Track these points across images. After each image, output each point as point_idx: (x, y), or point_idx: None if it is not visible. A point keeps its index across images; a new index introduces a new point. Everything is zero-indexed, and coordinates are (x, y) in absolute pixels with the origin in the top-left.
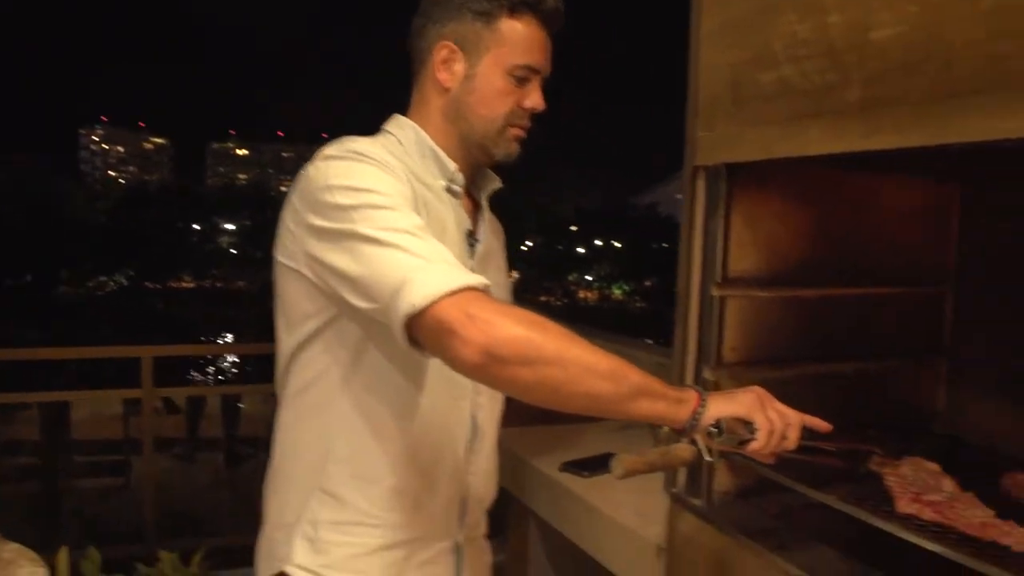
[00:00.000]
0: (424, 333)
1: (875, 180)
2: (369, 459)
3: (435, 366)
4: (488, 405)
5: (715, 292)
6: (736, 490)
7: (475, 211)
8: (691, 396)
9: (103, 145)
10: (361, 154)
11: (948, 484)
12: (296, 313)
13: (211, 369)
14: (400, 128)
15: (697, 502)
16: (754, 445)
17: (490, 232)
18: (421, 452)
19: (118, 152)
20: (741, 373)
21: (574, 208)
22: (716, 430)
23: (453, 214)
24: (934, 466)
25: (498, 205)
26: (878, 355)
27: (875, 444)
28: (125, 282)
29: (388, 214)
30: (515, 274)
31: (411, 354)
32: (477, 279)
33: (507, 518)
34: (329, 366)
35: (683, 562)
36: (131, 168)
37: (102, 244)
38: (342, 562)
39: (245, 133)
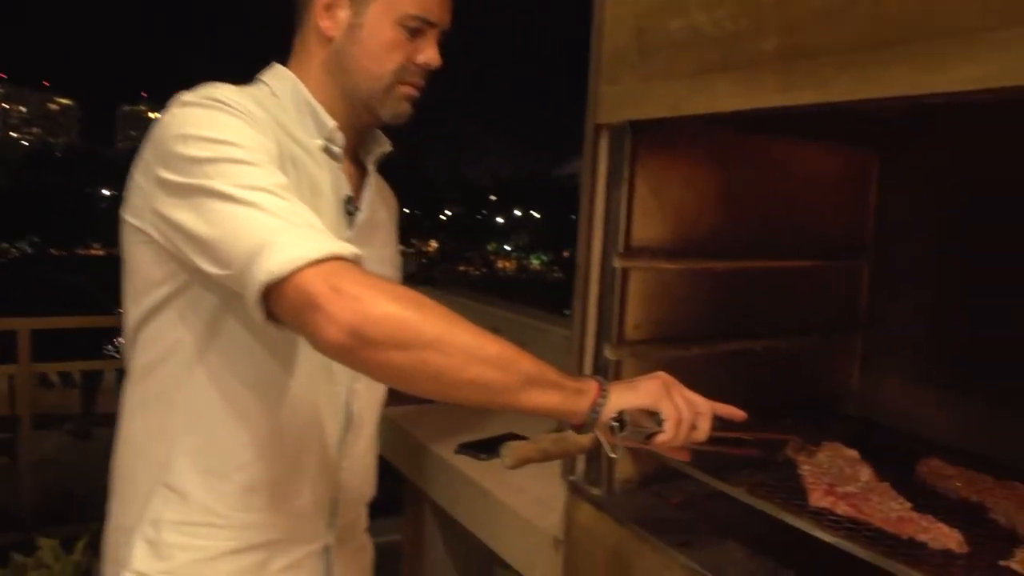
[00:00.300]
0: (283, 306)
1: (790, 146)
2: (221, 450)
3: (307, 344)
4: (367, 393)
5: (617, 263)
6: (639, 478)
7: (360, 177)
8: (590, 387)
9: (3, 104)
10: (221, 102)
11: (865, 473)
12: (142, 280)
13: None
14: (277, 78)
15: (596, 492)
16: (662, 438)
17: (378, 201)
18: (284, 444)
19: (20, 112)
20: (645, 352)
21: (494, 178)
22: (618, 424)
23: (330, 177)
24: (852, 453)
25: (414, 172)
26: (791, 332)
27: (792, 432)
28: (29, 249)
29: (248, 170)
30: (423, 247)
31: (270, 329)
32: (347, 248)
33: (403, 500)
34: (180, 341)
35: (581, 556)
36: (35, 130)
37: (2, 209)
38: (185, 568)
39: (157, 96)
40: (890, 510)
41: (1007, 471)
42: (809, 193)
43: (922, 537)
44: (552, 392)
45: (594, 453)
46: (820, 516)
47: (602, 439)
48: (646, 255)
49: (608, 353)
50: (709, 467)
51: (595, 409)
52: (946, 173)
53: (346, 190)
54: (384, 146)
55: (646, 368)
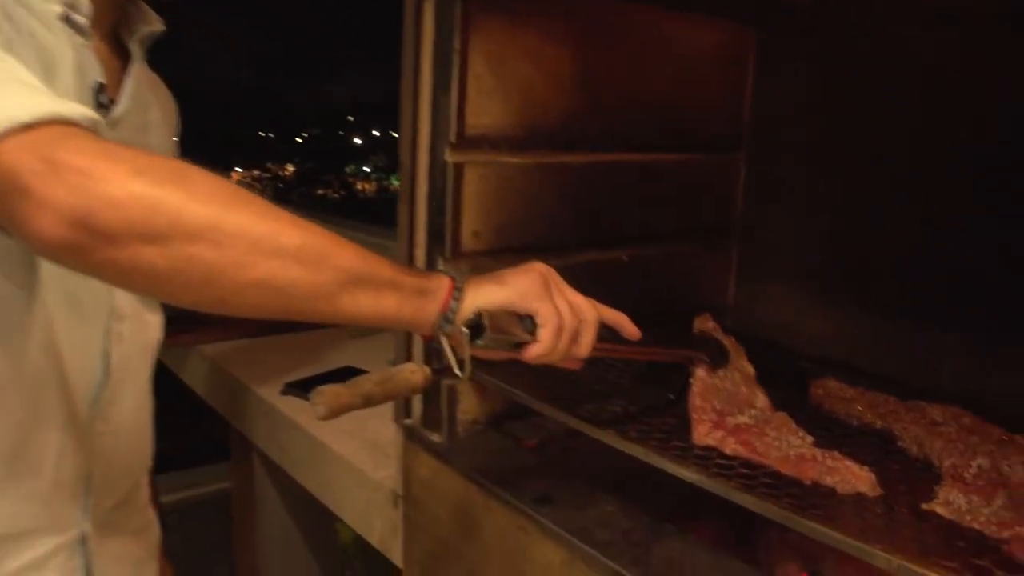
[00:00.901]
0: None
1: (657, 16)
2: None
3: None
4: (132, 336)
5: (448, 157)
6: (487, 418)
7: (121, 65)
8: (440, 284)
9: None
10: None
11: (761, 399)
12: None
13: None
14: None
15: (436, 437)
16: (534, 349)
17: (147, 96)
18: (10, 406)
19: None
20: (487, 265)
21: (352, 99)
22: (476, 330)
23: (72, 55)
24: (750, 369)
25: (268, 95)
26: (661, 239)
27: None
28: None
29: None
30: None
31: None
32: (75, 109)
33: (229, 447)
34: None
35: (423, 515)
36: None
37: None
38: None
39: None
40: (789, 447)
41: (906, 390)
42: (679, 75)
43: (828, 480)
44: (385, 294)
45: (432, 391)
46: (707, 460)
47: (448, 353)
48: (485, 146)
49: (442, 267)
50: (570, 400)
51: (447, 315)
52: (834, 57)
53: (97, 75)
54: (153, 24)
55: None
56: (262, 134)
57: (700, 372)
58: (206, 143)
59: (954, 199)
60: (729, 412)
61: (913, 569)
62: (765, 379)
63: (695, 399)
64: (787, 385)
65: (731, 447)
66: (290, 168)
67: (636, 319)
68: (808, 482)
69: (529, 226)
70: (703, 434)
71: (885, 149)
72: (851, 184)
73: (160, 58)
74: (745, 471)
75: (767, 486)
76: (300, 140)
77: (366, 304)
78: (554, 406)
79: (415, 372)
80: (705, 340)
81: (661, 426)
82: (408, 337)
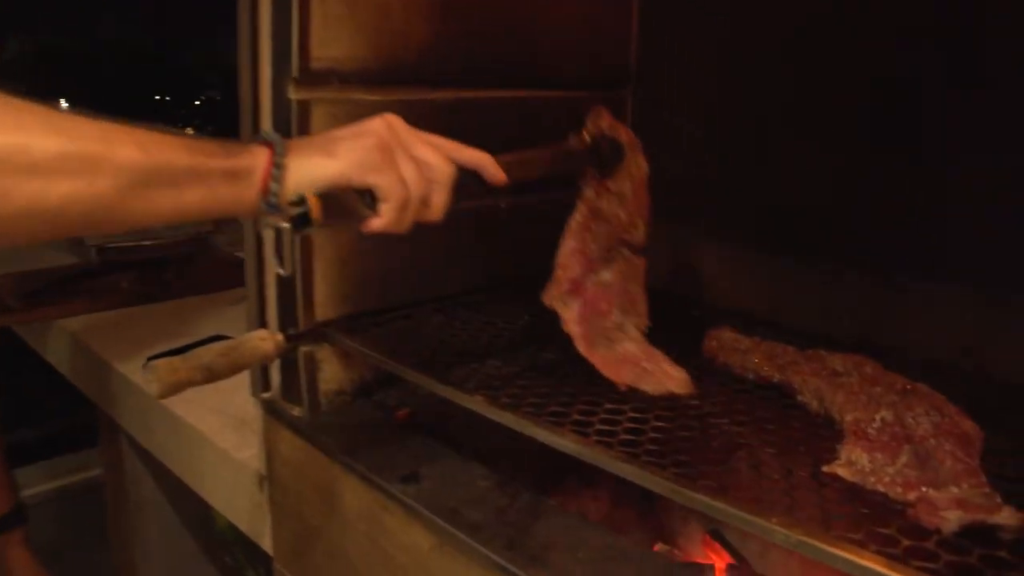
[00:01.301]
0: None
1: None
2: None
3: None
4: None
5: (292, 94)
6: (354, 387)
7: None
8: (256, 161)
9: None
10: None
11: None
12: None
13: None
14: None
15: (297, 411)
16: (374, 224)
17: None
18: None
19: None
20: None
21: None
22: (301, 217)
23: None
24: (643, 167)
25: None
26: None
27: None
28: None
29: None
30: None
31: None
32: None
33: (98, 431)
34: None
35: (288, 496)
36: None
37: None
38: None
39: None
40: (621, 338)
41: (807, 339)
42: (560, 6)
43: (643, 386)
44: (187, 188)
45: (289, 360)
46: (586, 426)
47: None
48: (334, 81)
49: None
50: (442, 363)
51: (269, 199)
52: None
53: None
54: None
55: (342, 245)
56: (157, 97)
57: (588, 192)
58: (99, 109)
59: (841, 138)
60: (594, 267)
61: (812, 544)
62: (656, 331)
63: (568, 239)
64: (680, 336)
65: (570, 325)
66: (190, 132)
67: (522, 276)
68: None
69: None
70: (552, 297)
71: (769, 87)
72: (750, 118)
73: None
74: (629, 437)
75: (652, 453)
76: (199, 103)
77: (166, 204)
78: (420, 372)
79: (265, 340)
80: (597, 143)
81: (537, 390)
82: (260, 299)
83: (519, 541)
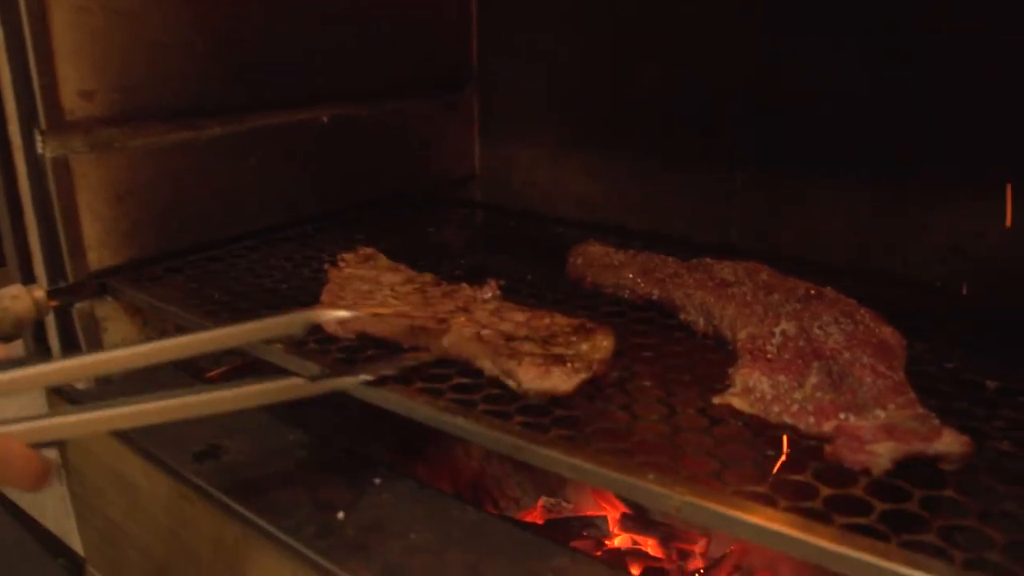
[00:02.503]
0: None
1: None
2: None
3: None
4: None
5: (45, 150)
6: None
7: None
8: None
9: None
10: None
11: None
12: None
13: None
14: None
15: (81, 385)
16: None
17: None
18: None
19: None
20: (112, 137)
21: None
22: None
23: None
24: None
25: None
26: (377, 94)
27: None
28: None
29: None
30: None
31: None
32: None
33: None
34: None
35: (87, 489)
36: None
37: None
38: None
39: None
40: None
41: (691, 249)
42: None
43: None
44: None
45: (64, 321)
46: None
47: None
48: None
49: (40, 147)
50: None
51: None
52: None
53: None
54: None
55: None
56: None
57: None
58: None
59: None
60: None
61: (701, 505)
62: (520, 254)
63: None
64: (544, 257)
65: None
66: None
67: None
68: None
69: (170, 81)
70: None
71: None
72: (592, 32)
73: None
74: (465, 381)
75: (495, 400)
76: None
77: None
78: (220, 324)
79: (19, 297)
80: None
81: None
82: (22, 247)
83: (334, 528)
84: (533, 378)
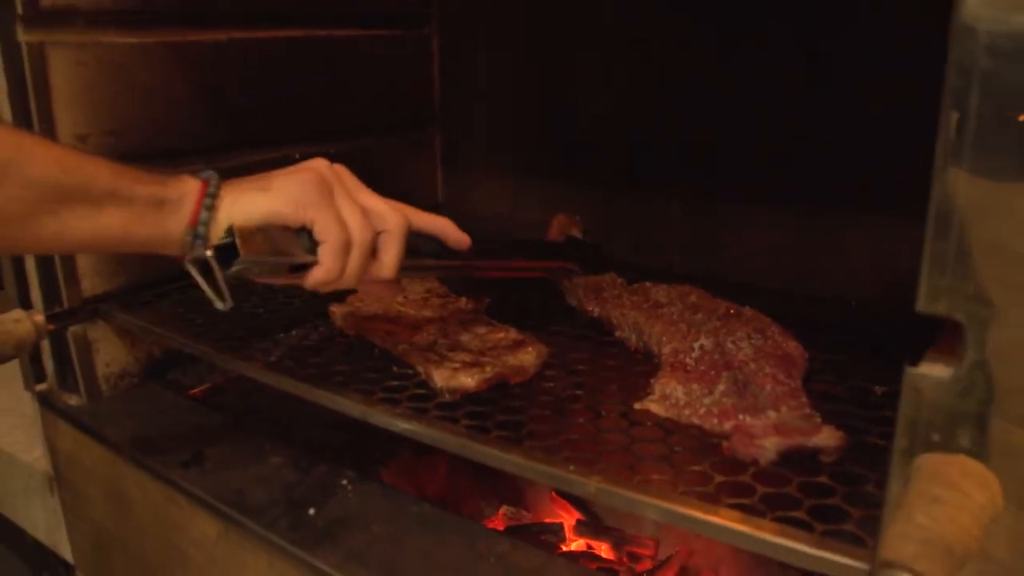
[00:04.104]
0: None
1: None
2: None
3: None
4: None
5: (22, 36)
6: (142, 367)
7: None
8: (186, 191)
9: None
10: None
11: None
12: None
13: None
14: None
15: (74, 400)
16: (315, 273)
17: None
18: None
19: None
20: None
21: None
22: (229, 251)
23: None
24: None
25: None
26: (346, 133)
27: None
28: None
29: None
30: None
31: None
32: None
33: None
34: None
35: (78, 497)
36: None
37: None
38: None
39: None
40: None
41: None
42: None
43: None
44: (107, 211)
45: (59, 344)
46: (373, 383)
47: (198, 279)
48: (77, 21)
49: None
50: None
51: (197, 231)
52: None
53: None
54: None
55: None
56: None
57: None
58: None
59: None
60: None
61: (612, 491)
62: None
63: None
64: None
65: None
66: None
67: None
68: None
69: (158, 125)
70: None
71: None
72: (545, 73)
73: None
74: (420, 392)
75: (444, 407)
76: None
77: (80, 226)
78: (210, 345)
79: (21, 321)
80: (576, 244)
81: (332, 355)
82: (20, 275)
83: (306, 520)
84: (444, 378)
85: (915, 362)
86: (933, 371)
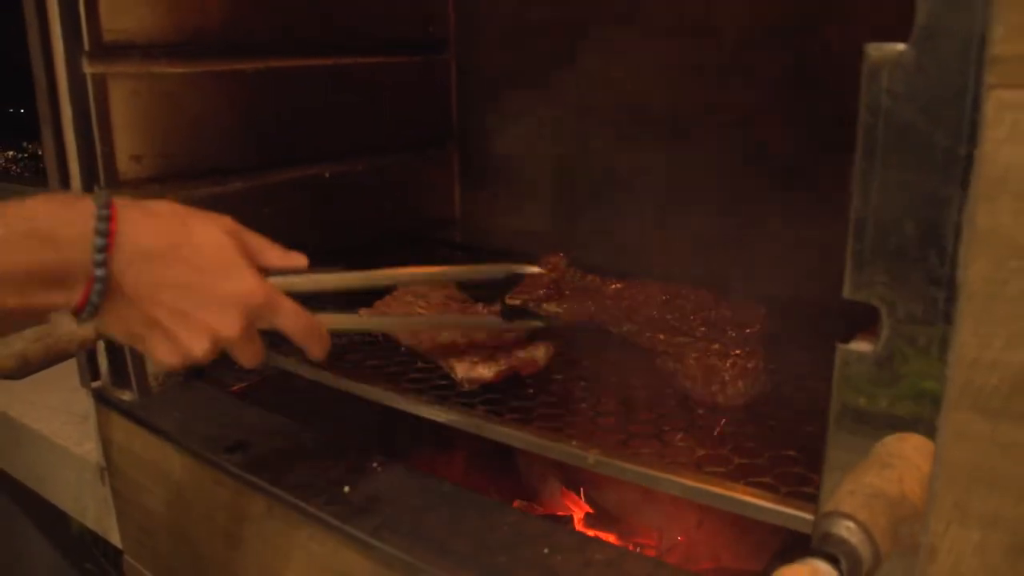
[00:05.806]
0: None
1: None
2: None
3: None
4: None
5: (87, 68)
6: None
7: None
8: (79, 223)
9: None
10: None
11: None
12: None
13: None
14: None
15: (126, 396)
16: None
17: None
18: None
19: None
20: (156, 193)
21: None
22: None
23: None
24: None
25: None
26: (371, 151)
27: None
28: None
29: None
30: None
31: None
32: None
33: None
34: None
35: (128, 485)
36: None
37: None
38: None
39: None
40: None
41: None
42: None
43: None
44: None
45: (113, 344)
46: (399, 375)
47: None
48: (133, 55)
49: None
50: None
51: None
52: None
53: None
54: None
55: None
56: (12, 110)
57: None
58: None
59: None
60: None
61: (608, 462)
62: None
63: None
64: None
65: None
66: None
67: (359, 244)
68: None
69: (203, 147)
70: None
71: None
72: (556, 94)
73: None
74: (443, 382)
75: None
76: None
77: None
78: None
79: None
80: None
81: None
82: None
83: (340, 498)
84: (464, 370)
85: (846, 340)
86: (859, 347)
